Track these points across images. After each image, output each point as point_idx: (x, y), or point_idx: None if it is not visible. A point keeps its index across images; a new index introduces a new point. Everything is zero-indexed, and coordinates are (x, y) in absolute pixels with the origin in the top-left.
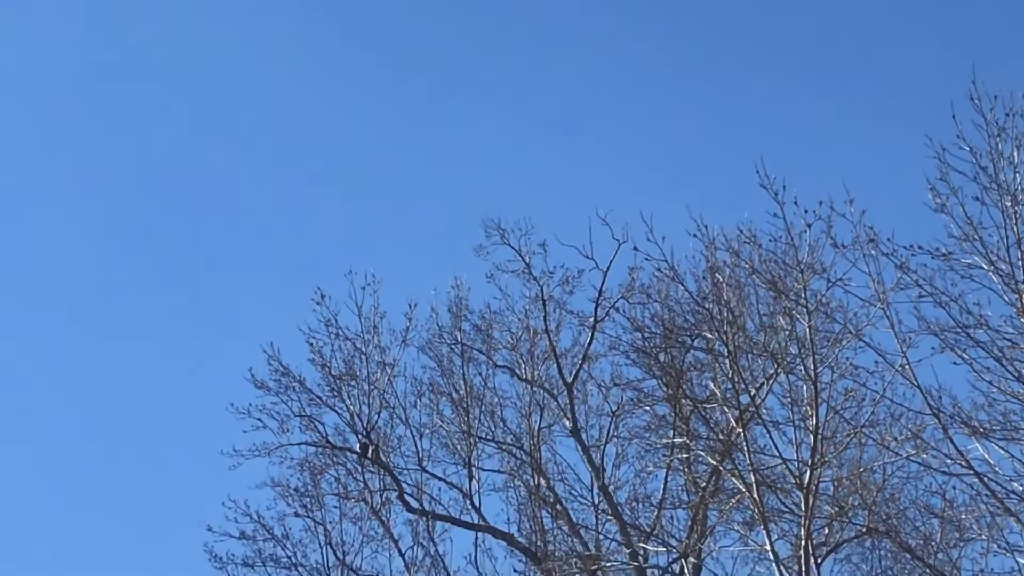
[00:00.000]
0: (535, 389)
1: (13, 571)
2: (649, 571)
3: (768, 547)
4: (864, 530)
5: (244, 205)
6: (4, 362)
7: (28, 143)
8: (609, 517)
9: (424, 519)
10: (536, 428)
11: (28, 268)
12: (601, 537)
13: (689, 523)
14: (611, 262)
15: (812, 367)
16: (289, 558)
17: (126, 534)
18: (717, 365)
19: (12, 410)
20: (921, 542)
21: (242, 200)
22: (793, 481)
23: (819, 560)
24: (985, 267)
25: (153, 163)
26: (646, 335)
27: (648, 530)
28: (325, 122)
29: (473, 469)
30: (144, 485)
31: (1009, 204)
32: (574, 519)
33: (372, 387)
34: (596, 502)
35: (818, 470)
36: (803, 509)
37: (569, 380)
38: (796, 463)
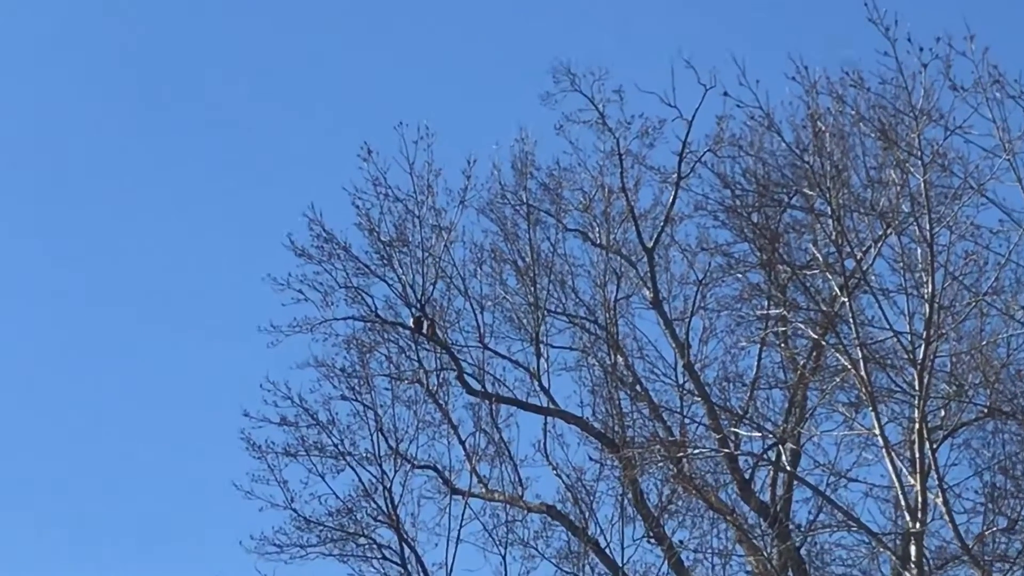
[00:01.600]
0: (611, 255)
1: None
2: (741, 459)
3: (877, 431)
4: (986, 411)
5: (280, 52)
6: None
7: None
8: (695, 399)
9: (487, 402)
10: (612, 299)
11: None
12: (686, 421)
13: (786, 405)
14: (696, 110)
15: (927, 227)
16: (336, 446)
17: (153, 417)
18: (818, 225)
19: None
20: None
21: (278, 47)
22: (905, 357)
23: (935, 445)
24: None
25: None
26: (737, 192)
27: (740, 413)
28: None
29: (541, 346)
30: (172, 366)
31: None
32: (655, 401)
33: (426, 254)
34: (680, 382)
35: (934, 344)
36: (916, 388)
37: (649, 245)
38: (909, 336)
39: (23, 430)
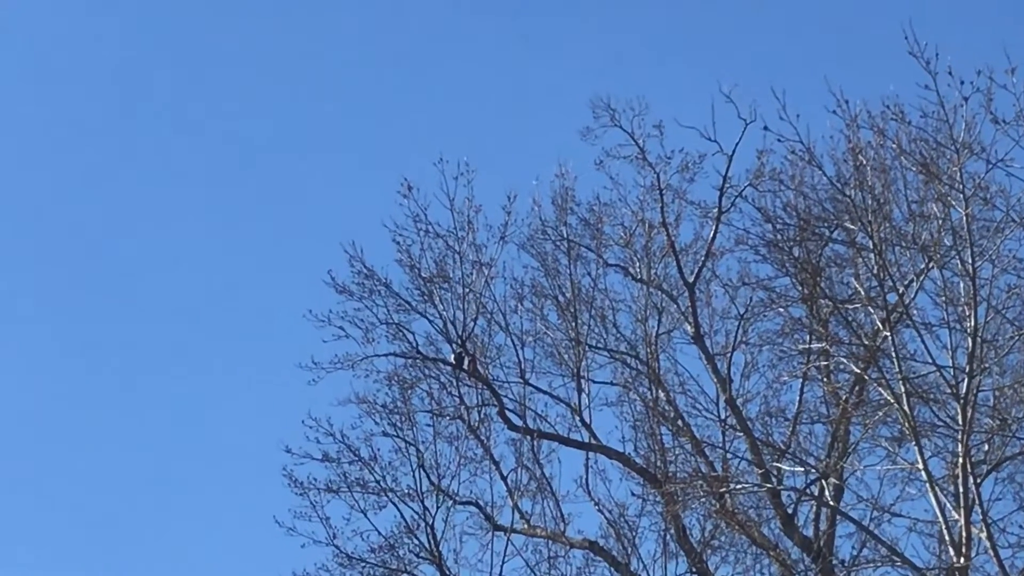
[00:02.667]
0: (652, 290)
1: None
2: (784, 494)
3: (920, 465)
4: None
5: (321, 88)
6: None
7: None
8: (738, 433)
9: (528, 438)
10: (653, 334)
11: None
12: (729, 456)
13: (829, 440)
14: (737, 144)
15: (970, 260)
16: (378, 482)
17: (197, 456)
18: (860, 259)
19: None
20: None
21: (319, 84)
22: (948, 391)
23: (979, 480)
24: None
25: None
26: (778, 227)
27: (782, 448)
28: None
29: (583, 381)
30: (214, 403)
31: None
32: (698, 436)
33: (467, 290)
34: (723, 417)
35: (977, 378)
36: (960, 423)
37: (690, 279)
38: (952, 370)
39: (65, 470)
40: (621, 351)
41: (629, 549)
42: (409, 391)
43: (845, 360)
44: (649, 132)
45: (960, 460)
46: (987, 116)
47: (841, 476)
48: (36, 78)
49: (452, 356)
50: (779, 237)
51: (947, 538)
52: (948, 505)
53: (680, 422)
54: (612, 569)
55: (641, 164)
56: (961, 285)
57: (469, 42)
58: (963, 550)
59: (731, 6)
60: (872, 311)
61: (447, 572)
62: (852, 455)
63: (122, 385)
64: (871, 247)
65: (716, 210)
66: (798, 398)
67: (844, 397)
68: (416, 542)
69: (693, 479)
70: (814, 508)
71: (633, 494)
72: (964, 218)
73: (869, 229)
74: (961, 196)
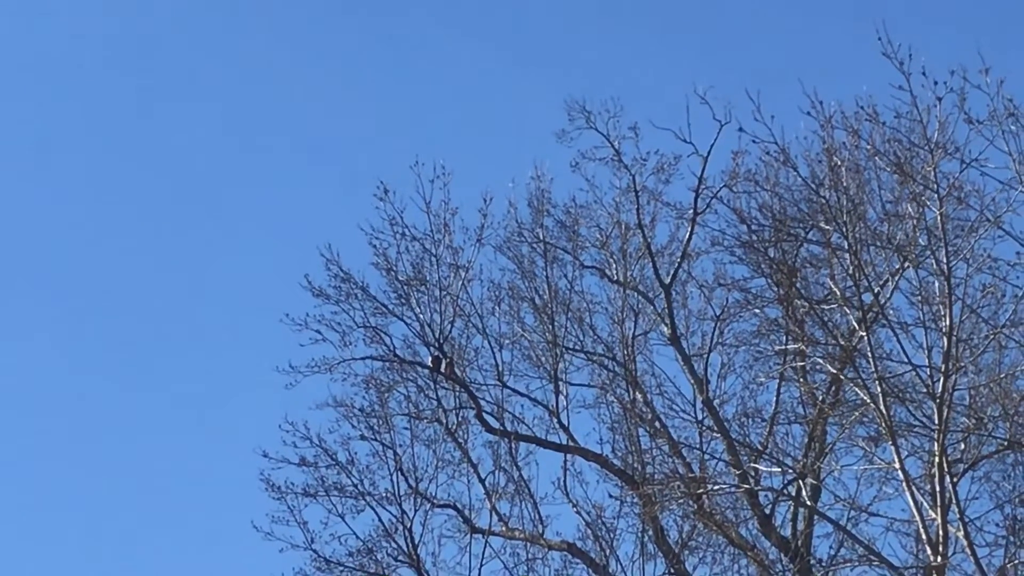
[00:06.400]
0: (628, 292)
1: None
2: (761, 494)
3: (897, 465)
4: (1005, 444)
5: (296, 92)
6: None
7: None
8: (715, 435)
9: (506, 440)
10: (630, 336)
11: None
12: (706, 457)
13: (806, 440)
14: (712, 146)
15: (944, 260)
16: (355, 486)
17: (174, 461)
18: (835, 260)
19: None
20: None
21: (294, 87)
22: (924, 390)
23: (955, 479)
24: None
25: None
26: (753, 228)
27: (759, 449)
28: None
29: (560, 383)
30: (190, 407)
31: None
32: (675, 437)
33: (444, 293)
34: (700, 418)
35: (953, 377)
36: (936, 422)
37: (667, 281)
38: (927, 370)
39: (38, 474)
40: (598, 353)
41: (607, 551)
42: (386, 394)
43: (821, 360)
44: (624, 134)
45: (937, 459)
46: (961, 116)
47: (818, 476)
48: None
49: (429, 359)
50: (754, 238)
51: (924, 537)
52: (925, 504)
53: (657, 423)
54: (590, 571)
55: (617, 166)
56: (936, 284)
57: (444, 45)
58: (940, 549)
59: (706, 9)
60: (848, 311)
61: (425, 575)
62: (829, 455)
63: (98, 389)
64: (846, 247)
65: (692, 211)
66: (775, 399)
67: (821, 397)
68: (394, 545)
69: (671, 480)
70: (791, 508)
71: (611, 496)
72: (938, 218)
73: (844, 229)
74: (935, 196)
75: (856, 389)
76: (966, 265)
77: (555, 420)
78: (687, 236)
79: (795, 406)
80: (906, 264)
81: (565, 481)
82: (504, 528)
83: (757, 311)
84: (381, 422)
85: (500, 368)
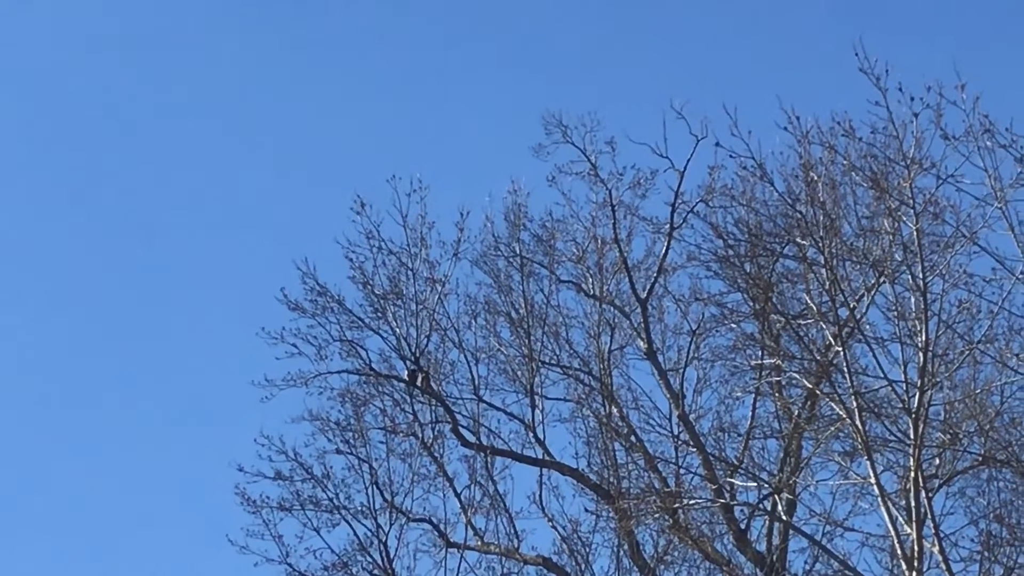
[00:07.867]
0: (604, 306)
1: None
2: (737, 509)
3: (872, 480)
4: (980, 459)
5: (272, 106)
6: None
7: None
8: (691, 449)
9: (482, 454)
10: (606, 350)
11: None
12: (682, 472)
13: (781, 455)
14: (688, 161)
15: (920, 275)
16: (331, 500)
17: (149, 474)
18: (811, 275)
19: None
20: None
21: (269, 100)
22: (900, 405)
23: (930, 494)
24: None
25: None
26: (730, 243)
27: (735, 463)
28: (363, 13)
29: (536, 398)
30: (166, 421)
31: None
32: (651, 452)
33: (420, 307)
34: (675, 432)
35: (928, 392)
36: (911, 437)
37: (643, 295)
38: (903, 385)
39: (13, 491)
40: (574, 367)
41: (583, 565)
42: (362, 408)
43: (797, 375)
44: (601, 148)
45: (912, 474)
46: (937, 132)
47: (794, 491)
48: None
49: (406, 373)
50: (731, 253)
51: (899, 552)
52: (900, 519)
53: (633, 438)
54: None
55: (593, 180)
56: (912, 300)
57: (421, 58)
58: (915, 564)
59: (682, 23)
60: (824, 326)
61: None
62: (804, 470)
63: (73, 401)
64: (822, 262)
65: (668, 226)
66: (750, 413)
67: (796, 412)
68: (369, 559)
69: (646, 495)
70: (767, 523)
71: (586, 510)
72: (914, 233)
73: (820, 244)
74: (911, 211)
75: (832, 404)
76: (942, 281)
77: (531, 434)
78: (663, 251)
79: (771, 421)
80: (882, 279)
81: (541, 495)
82: (480, 542)
83: (733, 326)
84: (357, 436)
85: (476, 382)
